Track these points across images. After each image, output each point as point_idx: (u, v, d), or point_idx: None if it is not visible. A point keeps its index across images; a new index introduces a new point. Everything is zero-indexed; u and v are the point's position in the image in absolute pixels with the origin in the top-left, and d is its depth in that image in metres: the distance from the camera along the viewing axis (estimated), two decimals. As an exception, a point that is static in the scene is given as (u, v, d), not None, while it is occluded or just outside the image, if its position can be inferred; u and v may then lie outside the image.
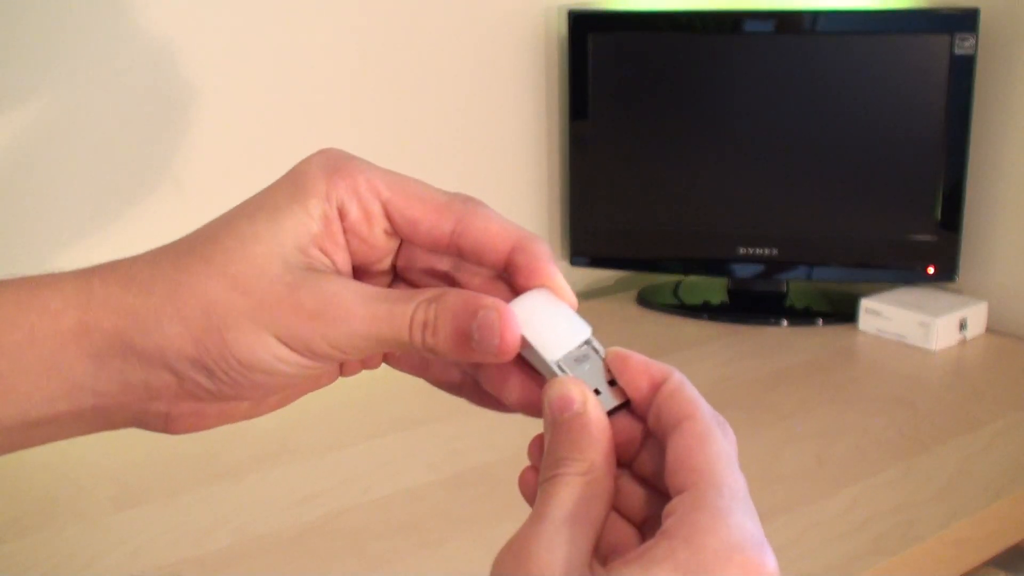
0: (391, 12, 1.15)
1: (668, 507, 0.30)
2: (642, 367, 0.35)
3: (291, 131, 1.10)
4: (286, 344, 0.34)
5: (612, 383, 0.36)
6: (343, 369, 0.40)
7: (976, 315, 1.20)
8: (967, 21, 1.15)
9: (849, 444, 0.93)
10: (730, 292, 1.33)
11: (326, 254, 0.35)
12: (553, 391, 0.34)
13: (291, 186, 0.36)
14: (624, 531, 0.34)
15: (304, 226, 0.34)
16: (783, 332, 1.24)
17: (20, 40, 0.92)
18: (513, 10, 1.25)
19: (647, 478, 0.35)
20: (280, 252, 0.34)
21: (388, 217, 0.36)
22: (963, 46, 1.15)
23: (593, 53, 1.26)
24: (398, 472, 0.87)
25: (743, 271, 1.29)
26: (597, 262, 1.33)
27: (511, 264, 0.37)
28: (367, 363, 0.40)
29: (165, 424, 0.36)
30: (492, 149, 1.27)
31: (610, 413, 0.35)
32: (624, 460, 0.35)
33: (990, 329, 1.22)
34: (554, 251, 1.35)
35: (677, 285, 1.39)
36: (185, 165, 1.04)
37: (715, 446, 0.32)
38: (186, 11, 1.01)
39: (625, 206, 1.30)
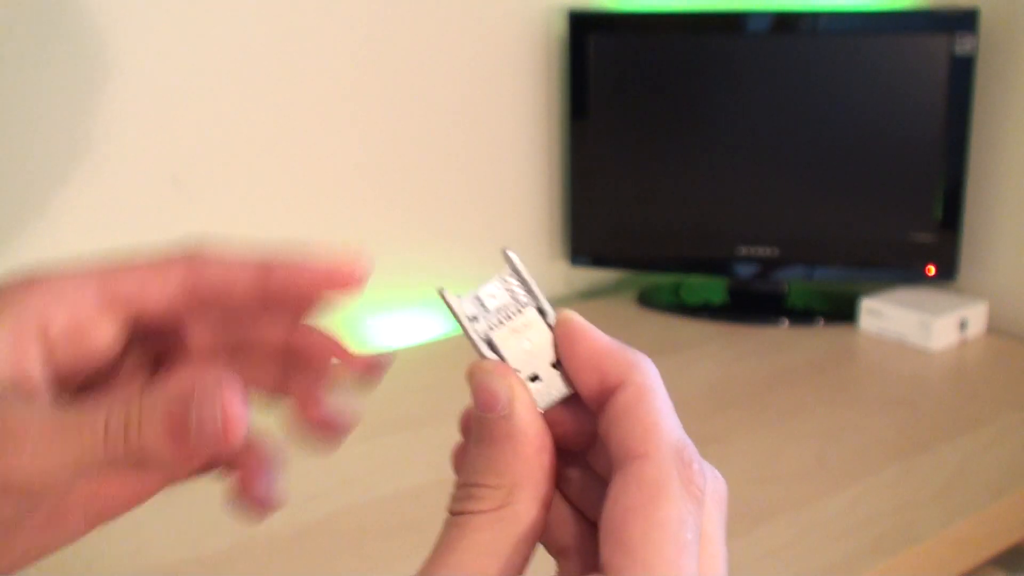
0: (391, 12, 1.15)
1: None
2: (592, 359, 0.28)
3: (291, 131, 1.10)
4: None
5: (559, 363, 0.29)
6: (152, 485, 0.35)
7: (976, 315, 1.20)
8: (967, 21, 1.15)
9: (849, 444, 0.93)
10: (730, 292, 1.33)
11: (17, 378, 0.29)
12: (475, 378, 0.28)
13: None
14: (578, 528, 0.29)
15: None
16: (783, 332, 1.24)
17: (20, 39, 0.92)
18: (513, 10, 1.25)
19: (601, 472, 0.30)
20: None
21: (112, 306, 0.30)
22: (963, 46, 1.15)
23: (593, 53, 1.26)
24: (398, 472, 0.87)
25: (743, 271, 1.29)
26: (597, 262, 1.33)
27: (271, 291, 0.31)
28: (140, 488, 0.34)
29: None
30: (493, 149, 1.27)
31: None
32: (577, 449, 0.30)
33: (990, 329, 1.22)
34: (555, 251, 1.35)
35: (677, 285, 1.39)
36: (184, 164, 1.04)
37: (663, 511, 0.24)
38: (187, 10, 1.01)
39: (625, 206, 1.30)
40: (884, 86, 1.20)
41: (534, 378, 0.29)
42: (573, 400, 0.29)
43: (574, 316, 0.29)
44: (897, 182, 1.22)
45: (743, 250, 1.28)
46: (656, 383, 0.27)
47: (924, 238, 1.22)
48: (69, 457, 0.26)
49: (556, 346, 0.29)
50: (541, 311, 0.29)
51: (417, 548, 0.86)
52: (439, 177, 1.22)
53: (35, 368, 0.29)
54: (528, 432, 0.27)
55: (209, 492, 0.86)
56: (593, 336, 0.28)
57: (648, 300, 1.33)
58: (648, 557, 0.24)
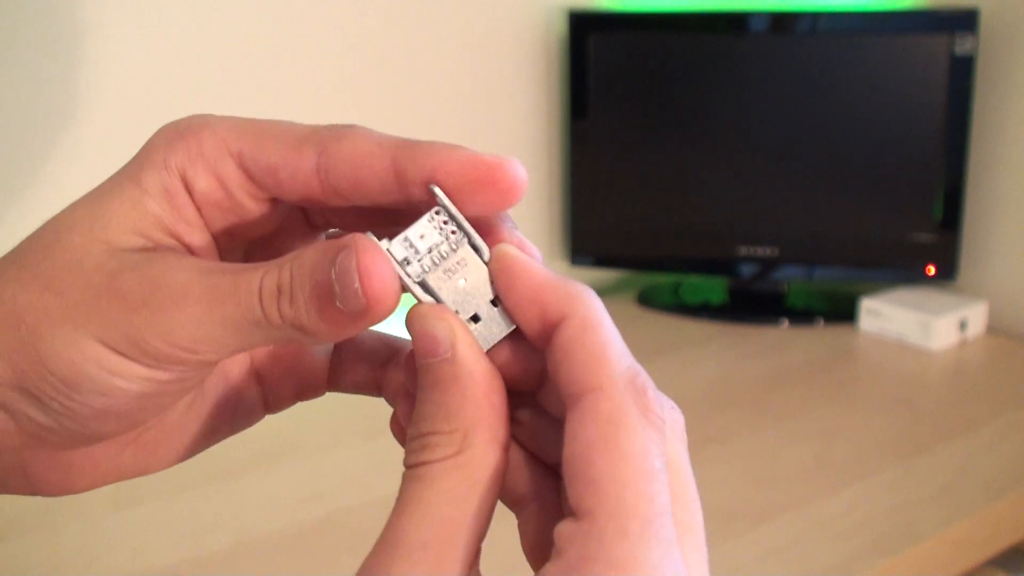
0: (391, 12, 1.15)
1: (559, 531, 0.23)
2: (530, 294, 0.26)
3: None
4: (111, 347, 0.26)
5: (498, 299, 0.27)
6: (269, 404, 0.34)
7: (976, 315, 1.20)
8: (967, 21, 1.15)
9: (849, 444, 0.93)
10: (730, 292, 1.33)
11: (175, 236, 0.28)
12: (413, 324, 0.26)
13: (130, 163, 0.29)
14: (534, 474, 0.28)
15: (139, 205, 0.27)
16: (783, 332, 1.24)
17: (21, 38, 0.92)
18: (513, 11, 1.25)
19: (555, 412, 0.28)
20: (103, 237, 0.27)
21: (247, 173, 0.28)
22: (963, 46, 1.15)
23: (593, 53, 1.26)
24: (397, 473, 0.87)
25: (743, 271, 1.29)
26: (598, 262, 1.33)
27: (400, 183, 0.28)
28: (291, 387, 0.33)
29: (26, 481, 0.30)
30: (493, 149, 1.27)
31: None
32: (525, 390, 0.28)
33: (990, 329, 1.22)
34: (555, 251, 1.35)
35: (677, 285, 1.39)
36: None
37: (625, 443, 0.23)
38: (188, 10, 1.01)
39: (625, 206, 1.30)
40: (884, 86, 1.20)
41: (474, 318, 0.27)
42: (517, 338, 0.27)
43: (509, 250, 0.27)
44: (897, 182, 1.22)
45: (743, 250, 1.28)
46: (601, 314, 0.26)
47: (924, 238, 1.22)
48: (225, 317, 0.26)
49: (493, 283, 0.27)
50: (475, 248, 0.27)
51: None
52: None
53: (195, 232, 0.29)
54: (475, 372, 0.26)
55: (209, 492, 0.86)
56: (531, 270, 0.27)
57: (648, 300, 1.33)
58: (619, 492, 0.23)
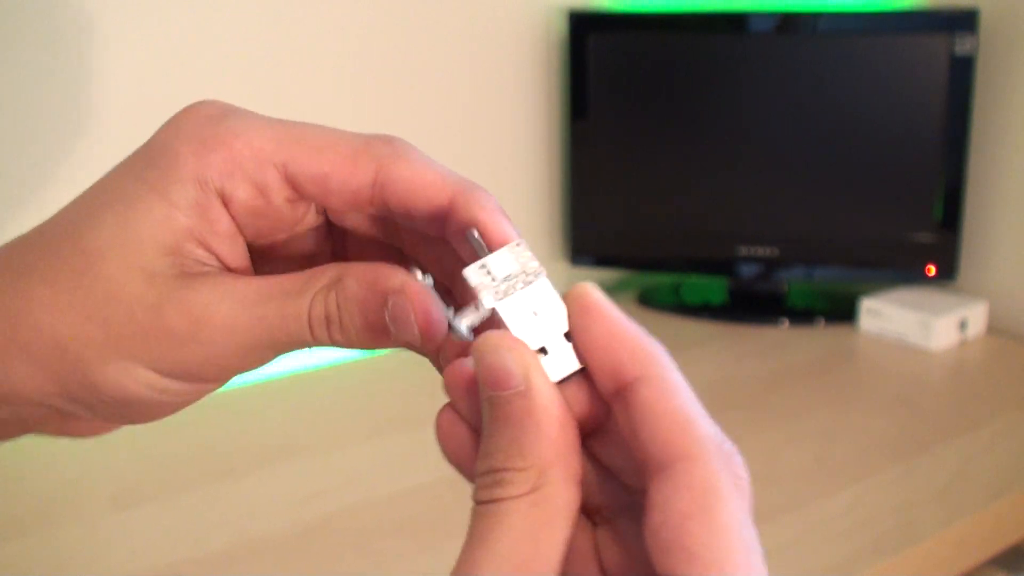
0: (391, 12, 1.15)
1: None
2: (607, 344, 0.26)
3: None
4: (162, 373, 0.28)
5: (569, 337, 0.27)
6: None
7: (976, 315, 1.20)
8: (967, 21, 1.15)
9: (849, 444, 0.93)
10: (730, 292, 1.33)
11: (207, 248, 0.28)
12: (483, 356, 0.26)
13: (148, 167, 0.28)
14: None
15: (169, 222, 0.27)
16: (783, 332, 1.24)
17: (22, 37, 0.92)
18: (513, 11, 1.25)
19: (608, 464, 0.28)
20: (139, 263, 0.27)
21: (290, 181, 0.28)
22: (963, 46, 1.15)
23: (593, 53, 1.26)
24: (399, 472, 0.87)
25: (743, 271, 1.29)
26: (598, 262, 1.33)
27: (451, 220, 0.29)
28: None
29: (61, 431, 0.33)
30: (493, 149, 1.27)
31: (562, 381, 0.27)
32: (582, 432, 0.27)
33: (990, 329, 1.22)
34: (555, 251, 1.35)
35: (677, 285, 1.39)
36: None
37: (724, 514, 0.23)
38: (188, 10, 1.01)
39: (626, 206, 1.30)
40: (884, 86, 1.20)
41: (542, 351, 0.26)
42: (581, 378, 0.27)
43: (591, 291, 0.26)
44: (897, 182, 1.22)
45: (743, 250, 1.28)
46: (679, 377, 0.26)
47: (924, 238, 1.22)
48: (275, 342, 0.28)
49: (569, 319, 0.27)
50: (541, 280, 0.27)
51: (418, 548, 0.86)
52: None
53: (226, 242, 0.28)
54: (550, 407, 0.25)
55: (209, 492, 0.86)
56: (609, 317, 0.26)
57: (648, 300, 1.33)
58: (719, 562, 0.22)
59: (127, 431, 0.88)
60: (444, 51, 1.20)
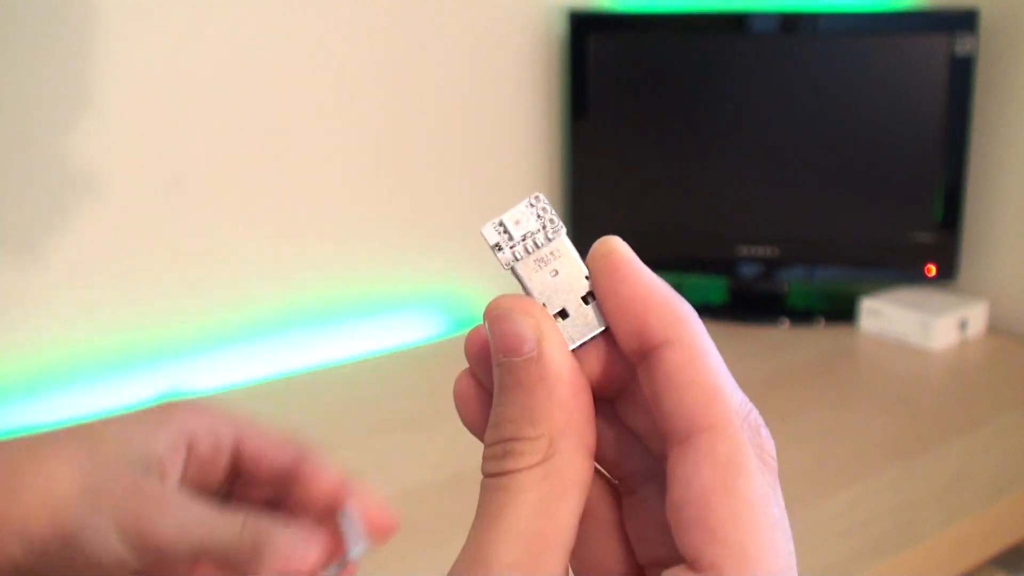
0: (392, 12, 1.15)
1: None
2: (634, 305, 0.24)
3: (293, 132, 1.10)
4: (122, 531, 0.37)
5: (592, 296, 0.25)
6: None
7: (976, 315, 1.20)
8: (967, 22, 1.15)
9: (849, 444, 0.93)
10: (731, 292, 1.33)
11: (163, 469, 0.40)
12: (495, 320, 0.25)
13: (153, 412, 0.41)
14: (600, 490, 0.27)
15: (153, 443, 0.40)
16: (783, 332, 1.24)
17: (22, 36, 0.92)
18: (514, 11, 1.25)
19: (634, 428, 0.27)
20: (125, 454, 0.39)
21: (236, 451, 0.42)
22: (963, 47, 1.15)
23: (594, 53, 1.26)
24: (398, 472, 0.87)
25: (744, 271, 1.29)
26: (597, 262, 1.33)
27: (297, 486, 0.42)
28: None
29: None
30: (493, 149, 1.27)
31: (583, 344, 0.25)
32: (604, 396, 0.26)
33: (990, 329, 1.22)
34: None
35: (678, 285, 1.38)
36: (185, 164, 1.04)
37: (748, 490, 0.22)
38: (189, 12, 1.01)
39: (626, 206, 1.30)
40: (884, 86, 1.20)
41: (562, 313, 0.25)
42: (603, 339, 0.26)
43: (616, 247, 0.25)
44: (897, 182, 1.22)
45: (743, 250, 1.28)
46: (708, 342, 0.24)
47: (924, 238, 1.22)
48: (202, 537, 0.37)
49: (590, 279, 0.25)
50: (561, 240, 0.26)
51: (418, 549, 0.86)
52: (440, 177, 1.22)
53: (177, 468, 0.41)
54: (562, 373, 0.24)
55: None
56: (638, 277, 0.25)
57: (648, 300, 1.33)
58: (742, 541, 0.22)
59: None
60: (445, 51, 1.20)
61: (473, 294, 1.26)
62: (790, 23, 1.22)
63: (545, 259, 0.26)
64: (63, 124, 0.96)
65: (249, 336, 1.11)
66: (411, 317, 1.22)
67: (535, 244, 0.26)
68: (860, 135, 1.22)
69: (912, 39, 1.18)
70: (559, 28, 1.29)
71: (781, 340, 1.21)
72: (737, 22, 1.23)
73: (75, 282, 1.00)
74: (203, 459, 0.41)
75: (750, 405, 0.24)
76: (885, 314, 1.20)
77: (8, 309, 0.97)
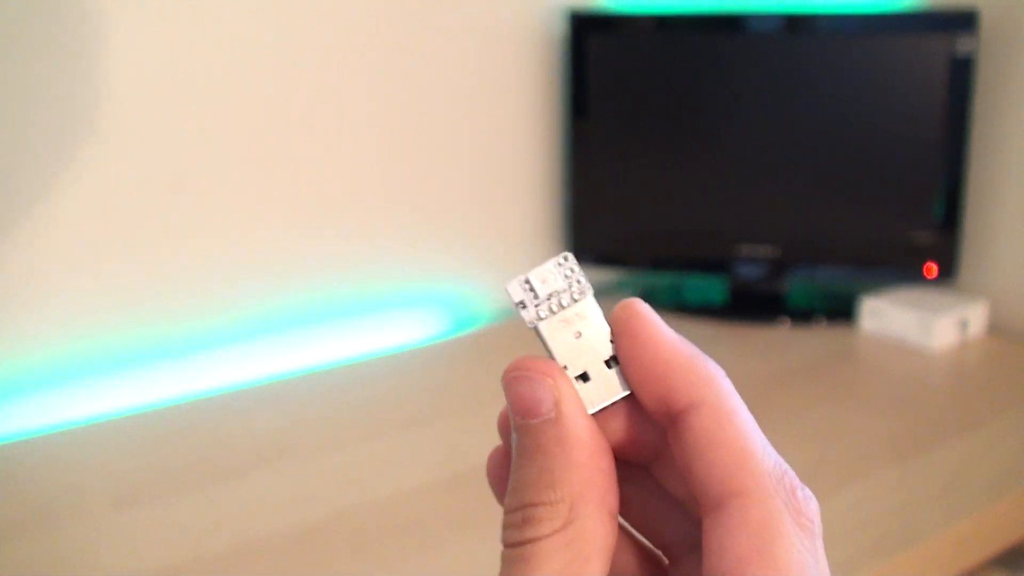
0: (393, 13, 1.15)
1: None
2: (657, 368, 0.24)
3: (295, 132, 1.10)
4: None
5: (615, 360, 0.25)
6: None
7: (976, 314, 1.20)
8: (967, 22, 1.15)
9: (849, 444, 0.93)
10: (731, 292, 1.33)
11: None
12: (512, 382, 0.25)
13: None
14: (635, 559, 0.26)
15: None
16: (783, 332, 1.24)
17: (21, 37, 0.92)
18: (515, 12, 1.25)
19: (672, 492, 0.26)
20: None
21: None
22: (963, 47, 1.15)
23: (594, 54, 1.26)
24: (398, 472, 0.87)
25: (744, 271, 1.29)
26: (598, 262, 1.33)
27: None
28: None
29: None
30: (494, 149, 1.27)
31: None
32: (636, 462, 0.26)
33: (991, 328, 1.22)
34: (555, 251, 1.35)
35: (678, 285, 1.39)
36: (186, 164, 1.04)
37: (783, 557, 0.21)
38: (190, 13, 1.01)
39: (626, 206, 1.30)
40: (884, 87, 1.20)
41: (584, 376, 0.25)
42: (630, 404, 0.25)
43: (641, 309, 0.25)
44: (897, 182, 1.22)
45: (744, 250, 1.28)
46: (736, 401, 0.24)
47: (924, 238, 1.22)
48: None
49: (614, 342, 0.25)
50: (587, 302, 0.26)
51: (418, 549, 0.86)
52: (440, 177, 1.22)
53: None
54: (581, 435, 0.24)
55: (209, 492, 0.86)
56: (661, 339, 0.25)
57: (648, 300, 1.32)
58: None
59: (127, 432, 0.88)
60: (445, 52, 1.20)
61: (474, 294, 1.27)
62: (791, 24, 1.22)
63: (570, 320, 0.25)
64: (63, 124, 0.96)
65: (249, 336, 1.11)
66: (412, 317, 1.22)
67: (560, 304, 0.26)
68: (860, 135, 1.22)
69: (912, 39, 1.18)
70: (559, 28, 1.29)
71: (781, 340, 1.21)
72: (737, 23, 1.24)
73: (75, 281, 1.00)
74: None
75: (785, 466, 0.23)
76: (885, 314, 1.20)
77: (4, 308, 0.97)
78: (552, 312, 0.25)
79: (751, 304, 1.30)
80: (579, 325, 0.25)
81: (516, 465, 0.24)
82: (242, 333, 1.11)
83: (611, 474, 0.24)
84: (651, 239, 1.31)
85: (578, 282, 0.26)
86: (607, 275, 1.42)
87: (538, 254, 1.34)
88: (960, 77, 1.16)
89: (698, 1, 1.32)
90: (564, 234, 1.36)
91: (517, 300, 0.25)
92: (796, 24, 1.22)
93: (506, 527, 0.24)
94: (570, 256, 0.26)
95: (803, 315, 1.27)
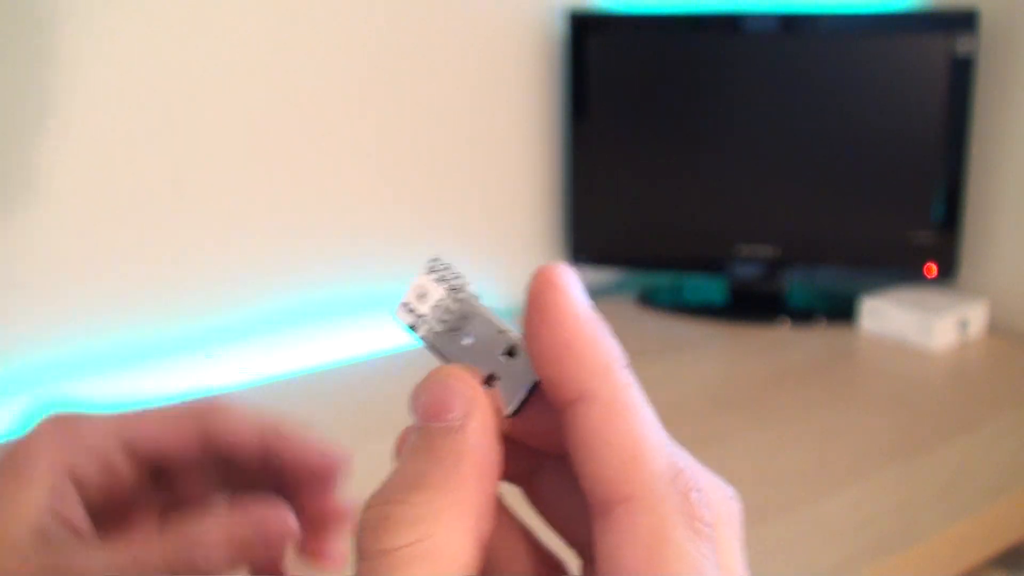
0: (393, 14, 1.15)
1: None
2: (555, 349, 0.22)
3: (295, 131, 1.10)
4: None
5: (513, 352, 0.23)
6: None
7: (976, 314, 1.20)
8: (967, 22, 1.15)
9: (849, 444, 0.93)
10: (731, 292, 1.33)
11: (62, 520, 0.32)
12: (429, 383, 0.23)
13: (13, 466, 0.33)
14: (536, 559, 0.24)
15: (30, 504, 0.32)
16: (783, 332, 1.24)
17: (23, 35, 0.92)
18: (514, 12, 1.25)
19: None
20: (8, 542, 0.31)
21: (130, 452, 0.34)
22: (963, 47, 1.15)
23: (594, 55, 1.26)
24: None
25: (744, 271, 1.29)
26: (598, 262, 1.33)
27: (268, 459, 0.35)
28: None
29: None
30: (495, 150, 1.27)
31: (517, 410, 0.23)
32: (549, 451, 0.24)
33: (991, 328, 1.22)
34: (555, 251, 1.35)
35: (678, 285, 1.39)
36: (185, 165, 1.04)
37: (674, 567, 0.20)
38: (191, 12, 1.01)
39: (626, 206, 1.30)
40: (884, 87, 1.20)
41: (490, 379, 0.23)
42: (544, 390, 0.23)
43: (555, 278, 0.23)
44: (897, 182, 1.22)
45: (744, 250, 1.28)
46: (631, 395, 0.21)
47: (924, 238, 1.22)
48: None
49: (523, 322, 0.23)
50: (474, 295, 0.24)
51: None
52: (440, 177, 1.22)
53: (76, 510, 0.33)
54: (478, 454, 0.22)
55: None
56: (565, 316, 0.22)
57: (648, 300, 1.33)
58: None
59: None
60: (446, 53, 1.20)
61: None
62: (791, 24, 1.22)
63: (458, 326, 0.24)
64: (62, 123, 0.96)
65: (249, 336, 1.11)
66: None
67: (448, 311, 0.24)
68: (861, 135, 1.22)
69: (912, 39, 1.18)
70: (559, 29, 1.29)
71: (781, 340, 1.21)
72: (737, 23, 1.24)
73: (75, 280, 1.00)
74: (98, 481, 0.33)
75: (681, 465, 0.21)
76: (885, 314, 1.20)
77: (4, 308, 0.97)
78: (443, 323, 0.24)
79: (751, 304, 1.30)
80: (469, 326, 0.24)
81: (398, 464, 0.23)
82: (242, 333, 1.11)
83: (493, 503, 0.22)
84: (651, 239, 1.31)
85: (455, 278, 0.25)
86: (607, 275, 1.42)
87: (538, 254, 1.34)
88: (960, 77, 1.16)
89: (698, 1, 1.32)
90: (564, 234, 1.36)
91: (407, 324, 0.24)
92: (796, 24, 1.22)
93: (363, 526, 0.21)
94: (439, 258, 0.25)
95: (803, 315, 1.27)
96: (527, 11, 1.26)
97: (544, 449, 0.24)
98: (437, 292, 0.25)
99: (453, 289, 0.24)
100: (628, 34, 1.27)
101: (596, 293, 1.40)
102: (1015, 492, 0.85)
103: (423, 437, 0.22)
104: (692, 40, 1.26)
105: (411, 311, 0.24)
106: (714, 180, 1.28)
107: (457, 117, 1.23)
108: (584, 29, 1.26)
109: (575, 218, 1.31)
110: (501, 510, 0.24)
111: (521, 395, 0.23)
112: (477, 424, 0.22)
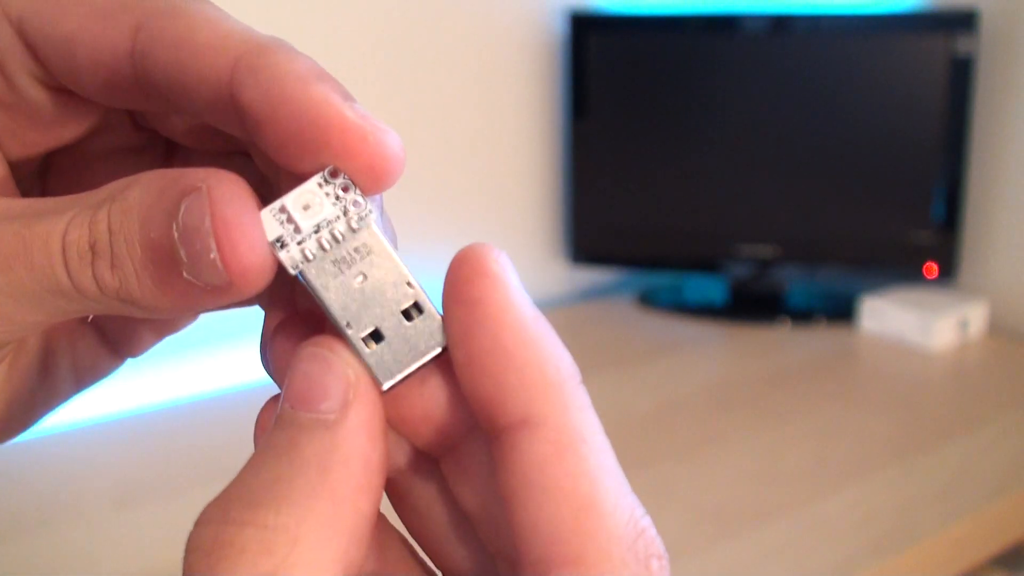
0: (394, 14, 1.15)
1: None
2: (493, 357, 0.17)
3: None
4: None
5: (417, 308, 0.19)
6: (119, 349, 0.24)
7: (977, 314, 1.20)
8: (967, 22, 1.15)
9: (849, 444, 0.93)
10: (731, 292, 1.33)
11: None
12: (304, 356, 0.18)
13: None
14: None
15: None
16: (783, 332, 1.24)
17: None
18: (515, 13, 1.25)
19: (460, 497, 0.19)
20: None
21: (32, 49, 0.19)
22: (963, 47, 1.16)
23: (594, 54, 1.26)
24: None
25: (744, 271, 1.29)
26: (598, 262, 1.33)
27: (236, 99, 0.18)
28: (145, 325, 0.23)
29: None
30: (495, 150, 1.27)
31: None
32: (432, 451, 0.19)
33: (991, 328, 1.22)
34: (555, 251, 1.35)
35: (678, 285, 1.39)
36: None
37: (588, 479, 0.16)
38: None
39: (626, 206, 1.30)
40: (884, 87, 1.20)
41: (375, 335, 0.18)
42: (440, 366, 0.18)
43: (487, 264, 0.18)
44: (897, 182, 1.22)
45: (743, 250, 1.28)
46: (587, 423, 0.17)
47: (924, 238, 1.22)
48: (19, 293, 0.18)
49: (445, 306, 0.18)
50: (371, 219, 0.19)
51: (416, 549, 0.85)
52: (440, 177, 1.22)
53: None
54: (357, 458, 0.17)
55: (209, 492, 0.85)
56: (506, 316, 0.17)
57: (648, 300, 1.33)
58: (598, 550, 0.16)
59: (127, 431, 0.88)
60: (446, 52, 1.20)
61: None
62: (791, 24, 1.22)
63: (347, 259, 0.18)
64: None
65: (248, 336, 1.11)
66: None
67: (333, 237, 0.18)
68: (861, 135, 1.22)
69: (912, 39, 1.18)
70: (559, 28, 1.29)
71: (781, 340, 1.21)
72: (737, 23, 1.24)
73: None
74: None
75: (643, 524, 0.16)
76: (885, 314, 1.20)
77: None
78: (323, 250, 0.18)
79: (751, 304, 1.30)
80: (361, 264, 0.19)
81: (250, 463, 0.17)
82: (242, 333, 1.11)
83: (370, 523, 0.18)
84: (651, 239, 1.31)
85: (355, 203, 0.18)
86: (607, 275, 1.42)
87: (538, 254, 1.34)
88: (960, 77, 1.16)
89: (698, 2, 1.32)
90: (563, 234, 1.36)
91: (273, 237, 0.18)
92: (797, 24, 1.22)
93: (193, 549, 0.17)
94: (340, 171, 0.18)
95: (803, 315, 1.27)
96: (527, 11, 1.26)
97: (425, 448, 0.19)
98: (327, 209, 0.18)
99: (352, 207, 0.18)
100: (628, 34, 1.27)
101: (596, 293, 1.40)
102: (1015, 492, 0.85)
103: (285, 429, 0.17)
104: (693, 40, 1.26)
105: (287, 220, 0.18)
106: (714, 180, 1.28)
107: (457, 117, 1.23)
108: (584, 29, 1.26)
109: (575, 218, 1.31)
110: (382, 530, 0.20)
111: (409, 368, 0.18)
112: (357, 418, 0.17)
